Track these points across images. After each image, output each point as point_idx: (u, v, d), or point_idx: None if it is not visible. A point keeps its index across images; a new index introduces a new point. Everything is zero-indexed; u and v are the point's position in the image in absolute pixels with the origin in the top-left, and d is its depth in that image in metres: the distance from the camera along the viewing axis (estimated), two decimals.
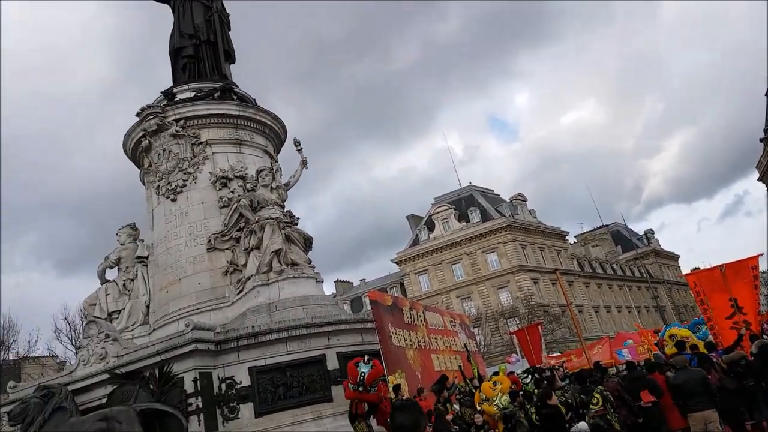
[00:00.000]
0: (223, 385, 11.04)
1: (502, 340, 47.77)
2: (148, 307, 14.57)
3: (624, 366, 14.86)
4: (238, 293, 13.20)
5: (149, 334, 13.97)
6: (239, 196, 13.86)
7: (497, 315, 52.19)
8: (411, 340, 12.46)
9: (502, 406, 9.35)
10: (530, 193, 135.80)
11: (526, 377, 11.46)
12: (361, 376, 8.75)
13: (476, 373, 12.24)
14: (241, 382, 11.11)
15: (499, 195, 67.85)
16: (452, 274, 60.16)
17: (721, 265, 13.10)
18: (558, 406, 7.94)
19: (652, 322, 61.83)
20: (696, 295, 13.57)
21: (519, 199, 65.70)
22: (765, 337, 11.43)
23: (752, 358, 10.65)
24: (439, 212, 62.72)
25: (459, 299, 58.12)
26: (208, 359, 11.11)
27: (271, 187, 13.99)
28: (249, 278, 13.09)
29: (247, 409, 10.95)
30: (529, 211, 66.17)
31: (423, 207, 67.66)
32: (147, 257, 14.98)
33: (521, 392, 10.11)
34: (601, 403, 8.71)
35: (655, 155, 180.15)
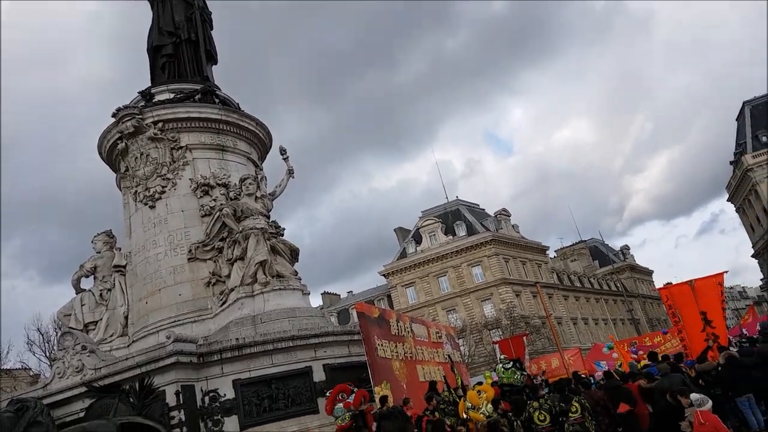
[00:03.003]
0: (207, 398, 10.82)
1: (486, 351, 47.87)
2: (126, 318, 14.14)
3: (602, 376, 15.15)
4: (221, 305, 12.94)
5: (128, 346, 13.61)
6: (222, 204, 13.44)
7: (481, 326, 52.45)
8: (398, 352, 12.40)
9: (487, 414, 9.38)
10: (517, 208, 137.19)
11: (508, 363, 11.50)
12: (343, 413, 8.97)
13: (460, 383, 12.21)
14: (225, 395, 10.90)
15: (484, 210, 68.45)
16: (438, 286, 60.28)
17: (691, 281, 13.68)
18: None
19: (627, 334, 62.52)
20: (668, 308, 14.18)
21: (503, 214, 66.29)
22: (731, 348, 11.83)
23: (720, 369, 11.05)
24: (426, 225, 62.98)
25: (445, 311, 58.21)
26: (191, 372, 10.90)
27: (256, 197, 13.61)
28: (232, 290, 12.82)
29: (231, 423, 10.75)
30: (513, 225, 66.79)
31: (414, 220, 67.86)
32: (125, 266, 14.51)
33: (507, 392, 10.17)
34: (579, 411, 8.80)
35: (640, 173, 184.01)
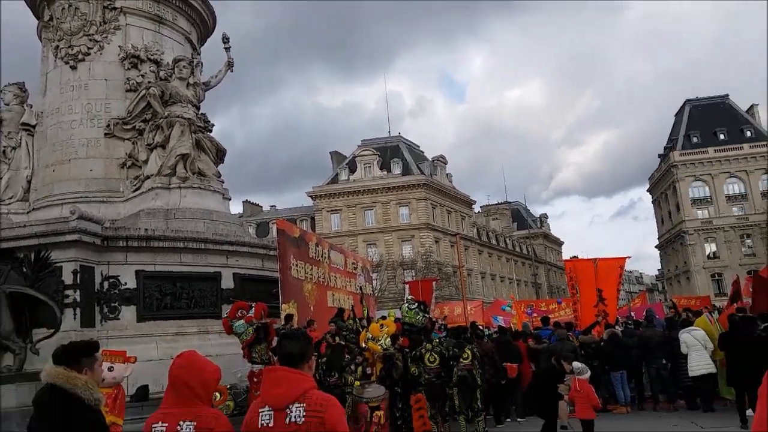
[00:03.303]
0: (106, 283, 10.50)
1: (396, 289, 49.46)
2: (29, 182, 13.21)
3: (496, 329, 16.05)
4: (134, 191, 12.34)
5: (28, 213, 12.78)
6: (150, 83, 12.55)
7: (397, 265, 53.85)
8: (311, 275, 12.46)
9: (386, 346, 9.69)
10: (455, 157, 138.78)
11: (413, 304, 12.01)
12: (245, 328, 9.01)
13: (366, 315, 12.49)
14: (126, 283, 10.62)
15: (423, 152, 68.75)
16: (364, 219, 60.90)
17: (595, 259, 14.52)
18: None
19: (527, 296, 66.89)
20: (569, 280, 15.17)
21: (440, 161, 66.95)
22: (617, 327, 12.76)
23: (603, 344, 11.96)
24: (363, 155, 62.57)
25: (365, 244, 59.13)
26: (92, 253, 10.46)
27: (188, 83, 12.77)
28: (148, 177, 12.20)
29: (129, 312, 10.57)
30: (447, 174, 67.75)
31: (352, 147, 67.13)
32: (34, 126, 13.39)
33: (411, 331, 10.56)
34: (470, 359, 9.23)
35: (577, 147, 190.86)
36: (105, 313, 10.42)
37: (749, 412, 8.77)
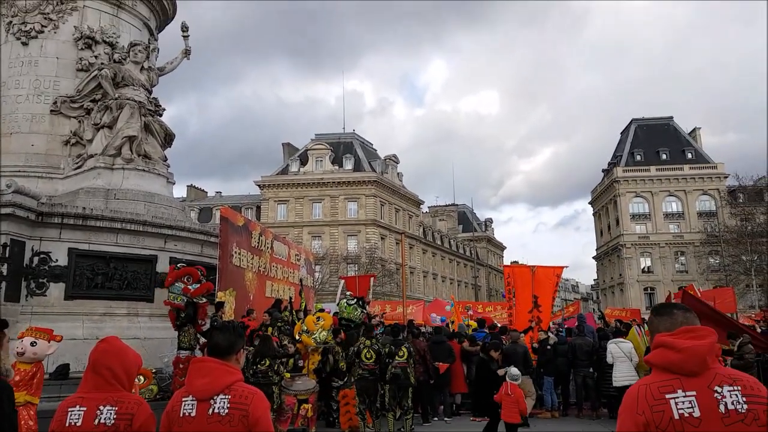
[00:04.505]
0: (36, 259, 10.27)
1: (338, 282, 49.52)
2: None
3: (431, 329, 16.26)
4: (76, 168, 12.15)
5: None
6: (103, 64, 12.55)
7: (340, 259, 53.88)
8: (253, 264, 12.44)
9: (320, 340, 9.75)
10: (408, 157, 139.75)
11: (353, 299, 12.05)
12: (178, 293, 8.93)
13: (303, 307, 12.51)
14: (57, 260, 10.43)
15: (376, 150, 69.10)
16: (311, 211, 60.71)
17: (533, 267, 14.95)
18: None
19: (467, 297, 68.27)
20: (507, 285, 15.49)
21: (392, 160, 67.43)
22: (549, 334, 13.26)
23: (549, 348, 12.38)
24: (316, 149, 62.37)
25: (310, 236, 58.96)
26: (25, 228, 10.21)
27: (143, 67, 12.81)
28: (92, 156, 12.05)
29: (57, 289, 10.37)
30: (398, 173, 68.30)
31: (306, 139, 66.76)
32: None
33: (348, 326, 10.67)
34: (406, 357, 9.40)
35: (527, 158, 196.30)
36: (32, 288, 10.20)
37: None
